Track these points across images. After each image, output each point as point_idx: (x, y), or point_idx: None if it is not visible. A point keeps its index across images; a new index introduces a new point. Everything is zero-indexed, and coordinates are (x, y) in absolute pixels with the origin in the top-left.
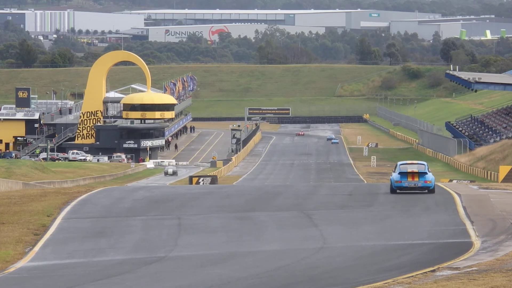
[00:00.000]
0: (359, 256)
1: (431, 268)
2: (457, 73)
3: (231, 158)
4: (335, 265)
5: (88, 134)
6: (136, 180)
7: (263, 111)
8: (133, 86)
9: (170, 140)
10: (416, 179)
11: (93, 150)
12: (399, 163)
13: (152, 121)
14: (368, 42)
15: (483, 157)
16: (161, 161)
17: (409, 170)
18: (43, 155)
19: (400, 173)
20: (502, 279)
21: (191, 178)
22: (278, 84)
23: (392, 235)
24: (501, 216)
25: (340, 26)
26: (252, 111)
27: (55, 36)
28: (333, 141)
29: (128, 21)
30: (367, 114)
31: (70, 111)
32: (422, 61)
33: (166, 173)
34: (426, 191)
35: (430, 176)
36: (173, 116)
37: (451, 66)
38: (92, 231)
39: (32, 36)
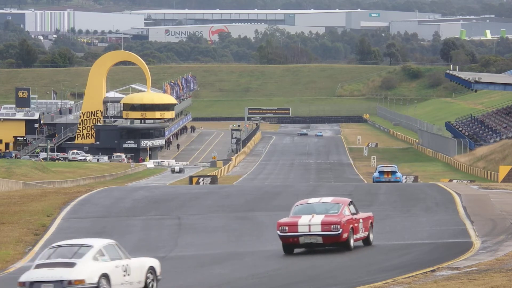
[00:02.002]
0: (359, 256)
1: (431, 268)
2: (457, 73)
3: (231, 158)
4: (335, 265)
5: (88, 134)
6: (136, 180)
7: (263, 111)
8: (133, 86)
9: (171, 140)
10: (390, 176)
11: (93, 150)
12: (378, 166)
13: (152, 121)
14: (368, 42)
15: (483, 157)
16: (161, 161)
17: (385, 170)
18: (43, 155)
19: (379, 172)
20: (502, 279)
21: (191, 178)
22: (278, 84)
23: (392, 235)
24: (501, 216)
25: (340, 26)
26: (252, 111)
27: (55, 36)
28: (317, 134)
29: (128, 21)
30: (367, 114)
31: (70, 111)
32: (422, 61)
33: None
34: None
35: (399, 174)
36: (173, 116)
37: (451, 66)
38: (92, 231)
39: (32, 36)
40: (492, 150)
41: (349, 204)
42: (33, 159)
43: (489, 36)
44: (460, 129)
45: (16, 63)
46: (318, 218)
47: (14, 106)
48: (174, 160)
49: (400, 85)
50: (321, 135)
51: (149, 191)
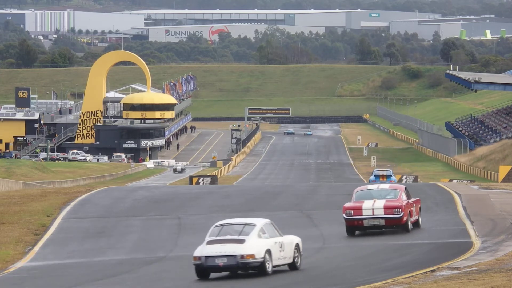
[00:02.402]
0: (359, 256)
1: (431, 268)
2: (457, 73)
3: (231, 158)
4: (335, 265)
5: (88, 134)
6: (136, 180)
7: (263, 111)
8: (133, 86)
9: (171, 140)
10: (385, 179)
11: (93, 150)
12: (374, 170)
13: (152, 121)
14: (368, 42)
15: (483, 157)
16: (161, 161)
17: (380, 174)
18: (43, 155)
19: (375, 175)
20: (502, 279)
21: (191, 178)
22: (278, 84)
23: (392, 235)
24: (501, 216)
25: (340, 26)
26: (252, 111)
27: (55, 36)
28: (307, 133)
29: (128, 21)
30: (367, 114)
31: (70, 111)
32: (422, 61)
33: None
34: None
35: (393, 178)
36: (173, 116)
37: (451, 66)
38: (92, 231)
39: (32, 36)
40: (492, 150)
41: (404, 190)
42: (33, 159)
43: (489, 36)
44: (460, 129)
45: (16, 63)
46: (380, 203)
47: (14, 106)
48: (174, 160)
49: (400, 85)
50: (311, 134)
51: (149, 191)
